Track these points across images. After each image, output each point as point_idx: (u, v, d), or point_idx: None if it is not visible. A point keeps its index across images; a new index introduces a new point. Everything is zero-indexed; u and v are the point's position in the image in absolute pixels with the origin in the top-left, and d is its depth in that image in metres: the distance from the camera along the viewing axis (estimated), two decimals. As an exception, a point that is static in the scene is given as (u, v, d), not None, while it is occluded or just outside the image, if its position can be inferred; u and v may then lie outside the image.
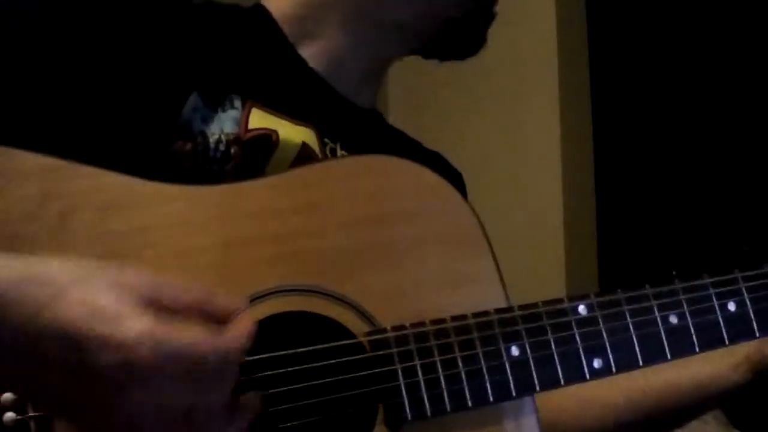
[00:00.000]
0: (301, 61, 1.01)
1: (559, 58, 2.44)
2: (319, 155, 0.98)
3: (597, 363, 0.85)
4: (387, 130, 1.12)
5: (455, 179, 1.13)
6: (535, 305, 0.86)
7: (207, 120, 0.93)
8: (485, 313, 0.85)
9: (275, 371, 0.81)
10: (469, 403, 0.83)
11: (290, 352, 0.81)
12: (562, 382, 0.85)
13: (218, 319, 0.72)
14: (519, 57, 2.42)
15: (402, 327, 0.84)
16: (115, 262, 0.73)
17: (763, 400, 2.12)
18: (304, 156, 0.97)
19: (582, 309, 0.87)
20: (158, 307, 0.70)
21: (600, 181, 2.55)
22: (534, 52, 2.45)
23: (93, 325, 0.67)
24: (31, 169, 0.81)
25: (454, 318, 0.85)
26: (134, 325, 0.68)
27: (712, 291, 0.89)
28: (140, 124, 0.90)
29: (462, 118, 2.46)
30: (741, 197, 2.36)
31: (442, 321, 0.85)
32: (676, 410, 1.06)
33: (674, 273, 2.20)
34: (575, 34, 2.51)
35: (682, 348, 0.88)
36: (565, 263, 2.44)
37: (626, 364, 0.86)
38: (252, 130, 0.95)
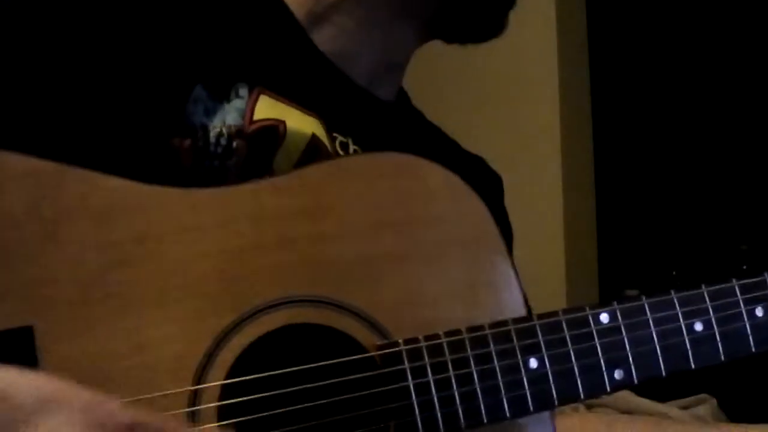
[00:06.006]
0: (313, 47, 0.95)
1: (559, 58, 2.43)
2: (329, 148, 0.93)
3: (618, 374, 0.82)
4: (414, 124, 1.06)
5: (494, 182, 1.08)
6: (555, 314, 0.83)
7: (209, 112, 0.87)
8: (503, 323, 0.82)
9: (280, 390, 0.77)
10: (485, 420, 0.80)
11: (295, 369, 0.78)
12: (582, 395, 0.82)
13: None
14: (519, 57, 2.40)
15: (415, 340, 0.81)
16: (90, 390, 0.68)
17: (762, 397, 2.12)
18: (313, 148, 0.92)
19: (604, 317, 0.83)
20: None
21: (600, 181, 2.54)
22: (534, 52, 2.44)
23: None
24: (20, 173, 0.76)
25: (469, 329, 0.81)
26: None
27: (740, 297, 0.85)
28: (140, 120, 0.85)
29: (462, 117, 2.44)
30: (741, 197, 2.35)
31: (458, 332, 0.81)
32: None
33: (674, 273, 2.18)
34: (575, 34, 2.50)
35: (707, 357, 0.84)
36: (565, 263, 2.44)
37: (649, 374, 0.83)
38: (257, 121, 0.89)
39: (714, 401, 2.01)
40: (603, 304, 0.84)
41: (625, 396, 1.92)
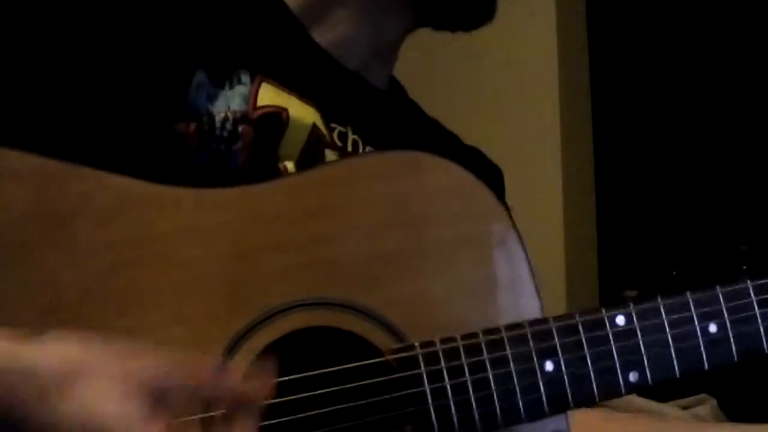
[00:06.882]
0: (308, 37, 0.95)
1: (559, 58, 2.43)
2: (327, 138, 0.92)
3: (633, 377, 0.82)
4: (411, 114, 1.05)
5: (494, 175, 1.08)
6: (571, 316, 0.82)
7: (212, 98, 0.87)
8: (519, 326, 0.81)
9: (295, 396, 0.76)
10: (501, 424, 0.80)
11: (310, 374, 0.77)
12: (597, 398, 0.82)
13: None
14: (519, 57, 2.40)
15: (431, 343, 0.80)
16: (122, 344, 0.69)
17: (762, 397, 2.12)
18: (315, 138, 0.91)
19: (620, 320, 0.82)
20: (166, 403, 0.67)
21: (600, 181, 2.54)
22: (534, 52, 2.43)
23: None
24: (25, 171, 0.76)
25: (485, 332, 0.80)
26: None
27: (754, 298, 0.85)
28: (144, 106, 0.84)
29: (461, 117, 2.44)
30: (741, 197, 2.35)
31: (474, 336, 0.80)
32: None
33: (674, 273, 2.18)
34: (575, 34, 2.50)
35: (720, 359, 0.84)
36: (565, 263, 2.43)
37: (663, 377, 0.83)
38: (261, 107, 0.89)
39: (714, 401, 2.00)
40: (618, 305, 0.84)
41: (626, 396, 1.92)
